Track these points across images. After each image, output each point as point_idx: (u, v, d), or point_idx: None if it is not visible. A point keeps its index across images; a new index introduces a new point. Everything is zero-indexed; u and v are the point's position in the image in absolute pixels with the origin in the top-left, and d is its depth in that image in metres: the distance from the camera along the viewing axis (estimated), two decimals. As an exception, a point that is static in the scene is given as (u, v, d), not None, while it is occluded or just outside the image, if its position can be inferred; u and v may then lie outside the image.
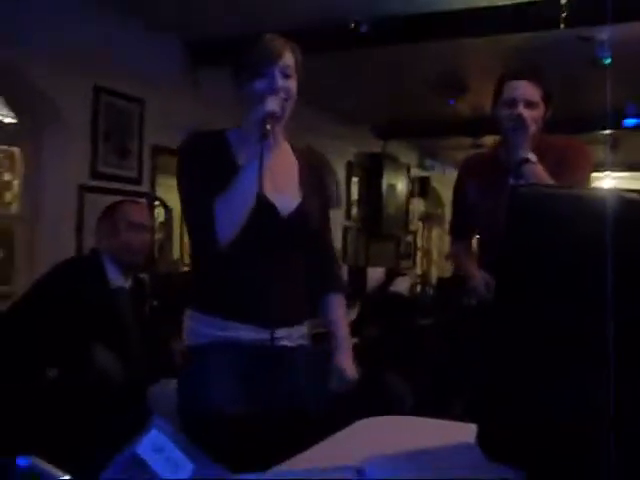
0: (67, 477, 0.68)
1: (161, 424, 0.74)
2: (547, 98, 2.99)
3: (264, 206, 2.05)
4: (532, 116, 2.92)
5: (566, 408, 1.01)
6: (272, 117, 2.00)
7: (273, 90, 2.04)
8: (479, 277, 3.08)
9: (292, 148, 2.29)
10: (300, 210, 2.16)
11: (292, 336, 2.19)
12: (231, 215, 1.99)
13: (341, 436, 1.76)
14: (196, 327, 2.12)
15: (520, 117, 2.91)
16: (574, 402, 0.99)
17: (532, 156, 2.86)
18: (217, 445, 1.92)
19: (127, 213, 3.33)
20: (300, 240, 2.21)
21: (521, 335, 1.10)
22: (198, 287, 2.18)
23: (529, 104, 2.91)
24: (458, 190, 3.29)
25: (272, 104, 2.01)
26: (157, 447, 0.74)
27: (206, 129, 2.27)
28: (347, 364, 2.32)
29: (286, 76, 2.09)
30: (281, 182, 2.17)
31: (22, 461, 0.65)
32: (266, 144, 2.00)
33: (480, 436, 1.15)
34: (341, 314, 2.39)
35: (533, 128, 2.92)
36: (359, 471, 1.07)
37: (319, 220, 2.27)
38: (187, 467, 0.75)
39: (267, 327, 2.11)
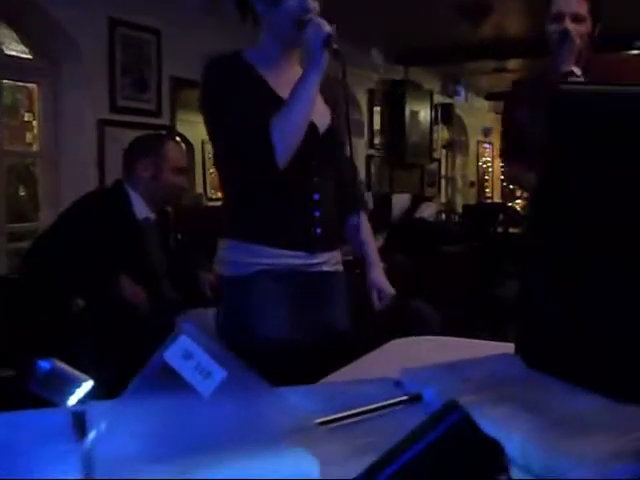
0: (90, 381, 0.65)
1: (190, 329, 0.71)
2: (595, 13, 2.92)
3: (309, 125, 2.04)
4: (578, 30, 2.86)
5: (607, 315, 0.97)
6: (331, 37, 1.96)
7: (305, 10, 2.02)
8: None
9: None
10: (332, 126, 2.16)
11: (331, 261, 2.20)
12: (289, 136, 1.95)
13: (374, 355, 1.74)
14: (237, 257, 2.09)
15: (565, 31, 2.85)
16: (615, 310, 0.94)
17: (577, 70, 2.80)
18: (263, 371, 1.97)
19: (171, 156, 3.27)
20: (333, 158, 2.21)
21: (561, 243, 1.05)
22: (237, 217, 2.14)
23: (576, 18, 2.86)
24: (508, 112, 3.25)
25: (328, 26, 1.98)
26: (186, 354, 0.70)
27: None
28: (383, 280, 2.34)
29: None
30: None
31: (44, 363, 0.62)
32: (320, 65, 1.97)
33: (519, 343, 1.12)
34: (369, 233, 2.39)
35: (579, 42, 2.86)
36: (397, 383, 1.03)
37: (345, 135, 2.24)
38: (219, 374, 0.71)
39: (309, 252, 2.11)
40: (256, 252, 2.06)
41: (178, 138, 5.60)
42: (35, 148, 4.95)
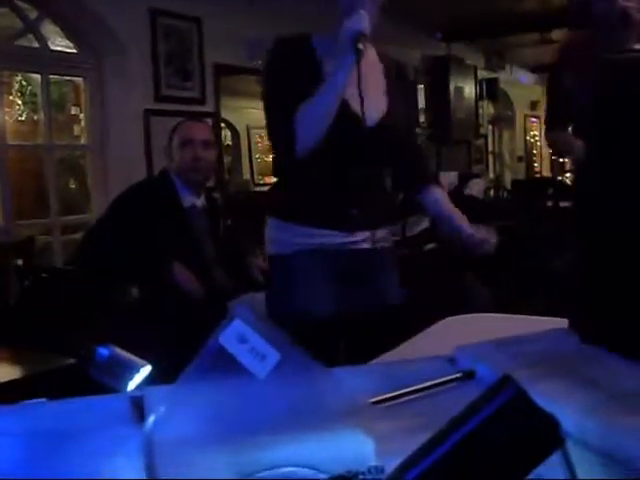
0: (148, 366, 0.67)
1: (244, 313, 0.72)
2: None
3: (349, 116, 2.03)
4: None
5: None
6: (363, 36, 1.95)
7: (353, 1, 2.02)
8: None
9: (376, 52, 2.26)
10: (386, 120, 2.16)
11: (371, 239, 2.20)
12: (312, 125, 2.00)
13: (427, 334, 1.74)
14: (280, 236, 2.16)
15: (624, 11, 2.82)
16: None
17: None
18: (309, 348, 2.00)
19: (183, 131, 3.33)
20: (385, 149, 2.21)
21: (615, 217, 1.03)
22: (281, 196, 2.20)
23: None
24: (553, 78, 3.21)
25: (362, 22, 1.97)
26: (241, 337, 0.71)
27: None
28: (481, 231, 2.31)
29: None
30: (367, 91, 2.07)
31: (103, 350, 0.64)
32: (349, 60, 1.96)
33: (574, 319, 1.11)
34: (447, 200, 2.38)
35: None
36: (451, 360, 1.04)
37: (405, 127, 2.30)
38: (273, 356, 0.72)
39: (347, 231, 2.14)
40: (294, 231, 2.12)
41: (223, 125, 5.65)
42: (83, 141, 5.02)
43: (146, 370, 0.68)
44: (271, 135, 2.19)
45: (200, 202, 3.38)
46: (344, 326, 2.15)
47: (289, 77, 2.08)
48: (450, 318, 1.92)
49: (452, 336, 1.74)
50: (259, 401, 0.75)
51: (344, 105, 2.02)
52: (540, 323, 1.83)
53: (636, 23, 2.86)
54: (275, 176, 2.31)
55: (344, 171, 2.13)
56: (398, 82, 2.26)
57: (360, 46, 1.93)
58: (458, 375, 0.95)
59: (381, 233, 2.25)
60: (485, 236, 2.29)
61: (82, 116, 5.07)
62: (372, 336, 2.08)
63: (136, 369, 0.65)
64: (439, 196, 2.34)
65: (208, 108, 5.19)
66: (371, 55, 2.20)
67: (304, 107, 1.99)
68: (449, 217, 2.31)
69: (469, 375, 0.94)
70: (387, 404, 0.85)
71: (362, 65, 2.01)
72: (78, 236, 4.81)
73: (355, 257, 2.17)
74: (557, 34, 8.79)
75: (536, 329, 1.52)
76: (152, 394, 0.85)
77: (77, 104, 5.37)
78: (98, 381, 0.65)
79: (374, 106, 2.12)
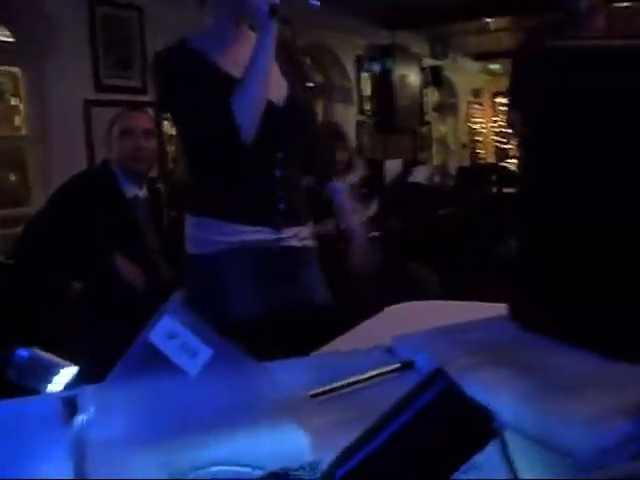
0: (72, 367, 0.65)
1: (174, 308, 0.70)
2: None
3: None
4: None
5: (600, 275, 0.96)
6: (276, 6, 1.94)
7: None
8: None
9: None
10: (291, 98, 2.12)
11: (298, 236, 2.17)
12: (252, 110, 1.94)
13: (370, 323, 1.73)
14: (202, 235, 2.07)
15: None
16: (609, 270, 0.93)
17: None
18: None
19: (123, 121, 3.28)
20: (297, 130, 2.18)
21: (554, 204, 1.04)
22: (200, 193, 2.12)
23: None
24: (518, 60, 3.29)
25: None
26: (171, 333, 0.70)
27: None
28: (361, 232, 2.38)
29: None
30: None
31: (22, 352, 0.61)
32: (270, 35, 1.95)
33: (513, 306, 1.11)
34: (349, 194, 2.44)
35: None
36: (389, 350, 1.03)
37: (310, 109, 2.30)
38: (205, 353, 0.70)
39: (274, 228, 2.09)
40: (219, 229, 2.04)
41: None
42: (23, 132, 4.91)
43: (71, 371, 0.66)
44: (187, 137, 2.11)
45: (142, 193, 3.33)
46: (274, 327, 2.10)
47: (190, 80, 2.01)
48: (394, 306, 1.92)
49: (396, 324, 1.74)
50: (192, 398, 0.73)
51: None
52: (484, 309, 1.83)
53: (601, 13, 3.00)
54: (192, 173, 2.20)
55: (267, 161, 2.08)
56: (290, 62, 2.22)
57: (274, 12, 1.93)
58: (396, 365, 0.94)
59: (305, 229, 2.21)
60: (363, 238, 2.37)
61: (22, 107, 4.96)
62: (305, 335, 2.04)
63: (57, 370, 0.63)
64: (342, 188, 2.39)
65: (150, 97, 5.11)
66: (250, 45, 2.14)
67: (239, 95, 1.93)
68: (346, 210, 2.39)
69: (408, 365, 0.93)
70: (324, 397, 0.84)
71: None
72: (19, 229, 4.71)
73: (282, 255, 2.11)
74: (501, 22, 8.89)
75: (479, 315, 1.52)
76: (84, 393, 0.83)
77: (16, 94, 5.24)
78: (16, 383, 0.63)
79: (277, 90, 2.09)
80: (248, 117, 1.93)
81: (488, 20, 8.65)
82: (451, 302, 2.00)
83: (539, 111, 1.09)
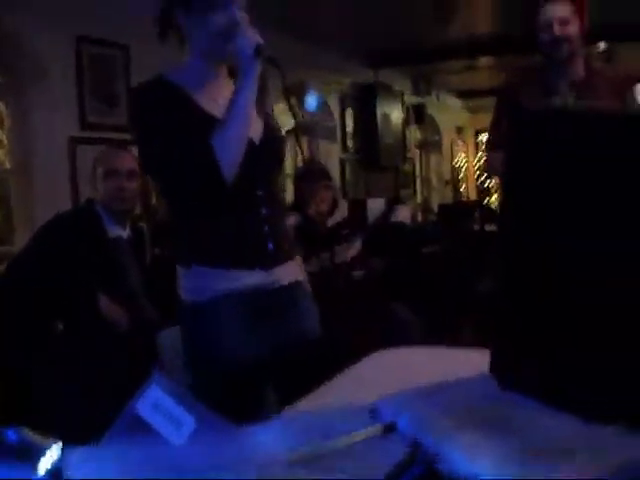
0: (59, 445, 0.65)
1: (160, 379, 0.71)
2: (580, 12, 3.09)
3: None
4: (569, 32, 3.06)
5: (582, 334, 0.98)
6: (261, 47, 1.95)
7: (233, 21, 1.99)
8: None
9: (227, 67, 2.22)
10: (267, 133, 2.12)
11: (288, 273, 2.17)
12: (233, 148, 1.93)
13: (355, 370, 1.74)
14: (197, 283, 2.03)
15: (557, 37, 3.07)
16: (590, 328, 0.95)
17: None
18: (237, 393, 1.97)
19: (106, 161, 3.31)
20: (274, 166, 2.21)
21: (533, 259, 1.06)
22: (187, 242, 2.08)
23: (563, 21, 3.02)
24: (500, 106, 3.36)
25: (257, 35, 1.97)
26: (157, 404, 0.71)
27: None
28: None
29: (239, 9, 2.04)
30: None
31: (11, 434, 0.62)
32: (253, 76, 1.96)
33: (493, 364, 1.12)
34: None
35: (574, 45, 3.09)
36: (372, 411, 1.04)
37: (283, 139, 2.30)
38: (188, 423, 0.71)
39: (266, 268, 2.08)
40: (213, 276, 2.02)
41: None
42: (7, 167, 4.91)
43: (57, 450, 0.66)
44: (171, 179, 2.02)
45: (126, 233, 3.35)
46: (271, 369, 2.09)
47: (167, 114, 1.97)
48: (378, 353, 1.92)
49: (380, 373, 1.75)
50: (175, 466, 0.74)
51: None
52: (466, 355, 1.85)
53: (580, 57, 3.09)
54: (175, 220, 2.13)
55: (251, 200, 2.07)
56: (261, 96, 2.16)
57: (260, 53, 1.93)
58: (379, 428, 0.95)
59: (294, 264, 2.21)
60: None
61: (4, 138, 4.96)
62: (300, 374, 2.04)
63: (44, 452, 0.63)
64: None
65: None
66: (227, 85, 2.17)
67: (220, 134, 1.91)
68: None
69: (390, 428, 0.94)
70: (304, 462, 0.85)
71: (228, 85, 2.10)
72: (1, 268, 4.70)
73: (275, 294, 2.11)
74: (483, 61, 9.02)
75: (462, 362, 1.54)
76: (70, 459, 0.83)
77: (0, 127, 5.25)
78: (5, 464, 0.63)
79: (254, 126, 2.08)
80: (230, 156, 1.92)
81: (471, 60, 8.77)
82: (433, 348, 2.00)
83: (514, 164, 1.11)
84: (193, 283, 2.04)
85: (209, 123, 1.96)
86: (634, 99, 3.23)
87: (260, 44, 1.95)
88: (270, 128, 2.15)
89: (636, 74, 3.58)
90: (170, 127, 1.95)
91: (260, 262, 2.07)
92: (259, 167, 2.04)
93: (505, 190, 1.14)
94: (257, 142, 2.07)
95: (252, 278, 2.05)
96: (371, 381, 1.61)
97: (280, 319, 2.13)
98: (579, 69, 3.17)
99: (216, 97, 2.07)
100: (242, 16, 2.02)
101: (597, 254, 0.96)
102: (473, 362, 1.23)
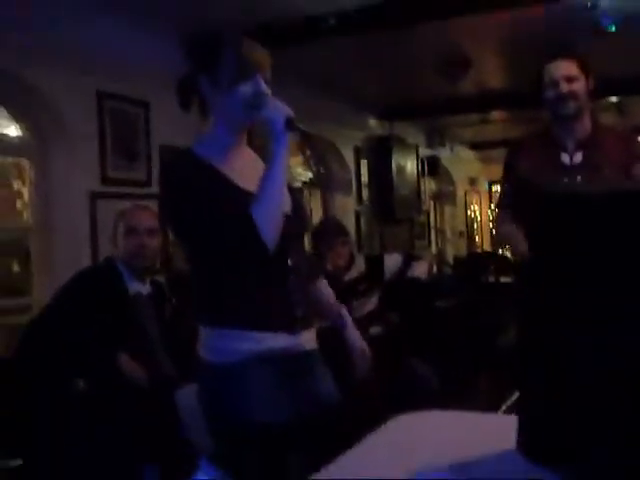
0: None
1: (206, 468, 0.73)
2: (585, 70, 3.12)
3: None
4: (575, 89, 3.09)
5: (605, 418, 0.99)
6: (291, 119, 2.01)
7: (259, 93, 2.06)
8: (520, 246, 3.13)
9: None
10: (294, 204, 2.18)
11: (310, 339, 2.21)
12: (273, 219, 1.98)
13: (381, 436, 1.75)
14: (224, 345, 2.05)
15: (563, 94, 3.09)
16: (615, 414, 0.97)
17: None
18: (265, 458, 1.98)
19: (127, 218, 3.36)
20: (302, 234, 2.29)
21: (555, 346, 1.08)
22: (218, 304, 2.09)
23: (569, 79, 3.05)
24: (509, 166, 3.38)
25: (286, 107, 2.03)
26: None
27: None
28: (362, 341, 2.44)
29: (265, 82, 2.11)
30: None
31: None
32: (285, 148, 2.02)
33: (521, 441, 1.14)
34: (333, 295, 2.50)
35: (581, 101, 3.12)
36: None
37: (306, 208, 2.34)
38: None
39: (293, 333, 2.11)
40: (241, 338, 2.03)
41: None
42: (27, 219, 4.97)
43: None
44: (202, 247, 2.04)
45: (145, 289, 3.39)
46: (296, 433, 2.08)
47: (202, 190, 2.00)
48: (402, 417, 1.93)
49: (404, 438, 1.77)
50: None
51: None
52: (486, 420, 1.86)
53: (587, 113, 3.12)
54: (204, 286, 2.12)
55: (281, 266, 2.11)
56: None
57: (293, 128, 2.00)
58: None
59: (314, 332, 2.24)
60: (362, 346, 2.44)
61: (25, 190, 5.03)
62: (325, 437, 2.06)
63: None
64: (327, 290, 2.47)
65: (154, 190, 5.18)
66: (246, 151, 2.24)
67: (259, 205, 1.96)
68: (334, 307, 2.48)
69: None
70: None
71: (249, 155, 2.19)
72: (19, 319, 4.73)
73: (300, 358, 2.14)
74: (495, 114, 9.12)
75: (482, 427, 1.55)
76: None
77: (20, 178, 5.32)
78: None
79: (285, 197, 2.12)
80: (271, 227, 1.96)
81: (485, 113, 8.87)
82: (457, 412, 2.01)
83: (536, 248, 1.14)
84: (219, 344, 2.05)
85: (241, 195, 2.02)
86: None
87: (291, 117, 2.00)
88: (295, 197, 2.19)
89: None
90: (207, 202, 1.98)
91: (287, 327, 2.10)
92: (289, 236, 2.07)
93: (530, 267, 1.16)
94: (286, 212, 2.10)
95: (278, 341, 2.08)
96: (400, 447, 1.62)
97: (303, 383, 2.15)
98: (586, 126, 3.19)
99: (241, 167, 2.13)
100: (266, 87, 2.08)
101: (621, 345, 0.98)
102: (494, 427, 1.25)
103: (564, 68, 3.12)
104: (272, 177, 2.00)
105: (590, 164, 3.10)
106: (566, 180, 3.08)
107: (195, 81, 2.13)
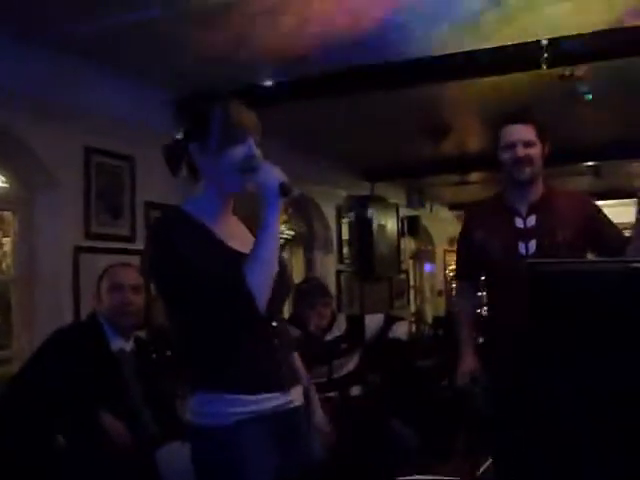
0: None
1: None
2: (542, 136, 3.17)
3: None
4: (532, 154, 3.10)
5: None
6: (285, 184, 2.04)
7: (251, 157, 2.09)
8: (465, 367, 3.39)
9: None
10: (281, 267, 2.17)
11: (298, 395, 2.24)
12: (264, 284, 1.99)
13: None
14: (215, 409, 2.05)
15: (520, 158, 3.09)
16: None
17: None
18: None
19: (112, 275, 3.38)
20: (285, 297, 2.32)
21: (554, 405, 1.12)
22: (208, 370, 2.09)
23: (527, 144, 3.10)
24: (464, 235, 3.45)
25: (279, 172, 2.06)
26: None
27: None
28: (325, 423, 2.60)
29: (256, 144, 2.15)
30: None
31: None
32: (278, 211, 2.06)
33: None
34: (303, 372, 2.51)
35: (536, 167, 3.16)
36: None
37: (289, 271, 2.38)
38: None
39: (284, 391, 2.14)
40: (232, 401, 2.04)
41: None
42: (9, 274, 4.95)
43: None
44: (199, 310, 2.03)
45: (129, 346, 3.39)
46: None
47: (193, 248, 2.02)
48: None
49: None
50: None
51: None
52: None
53: (540, 178, 3.18)
54: (193, 352, 2.13)
55: (268, 331, 2.14)
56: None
57: (287, 193, 2.03)
58: None
59: (300, 389, 2.27)
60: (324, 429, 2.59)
61: (5, 240, 5.02)
62: None
63: None
64: (298, 361, 2.47)
65: (138, 246, 5.20)
66: (232, 218, 2.28)
67: (253, 266, 1.97)
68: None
69: None
70: None
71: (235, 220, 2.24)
72: (-1, 372, 4.69)
73: (290, 415, 2.16)
74: (474, 176, 9.26)
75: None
76: None
77: (1, 229, 5.31)
78: None
79: None
80: (262, 289, 1.98)
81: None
82: (437, 478, 2.03)
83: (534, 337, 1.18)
84: (213, 409, 2.06)
85: (234, 257, 2.05)
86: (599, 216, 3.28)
87: (285, 182, 2.04)
88: (280, 259, 2.18)
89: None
90: (199, 260, 2.00)
91: (278, 386, 2.13)
92: (273, 298, 2.08)
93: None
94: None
95: (271, 401, 2.10)
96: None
97: (292, 443, 2.18)
98: (538, 189, 3.23)
99: (230, 232, 2.17)
100: (258, 151, 2.13)
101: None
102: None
103: (522, 132, 3.15)
104: (265, 242, 2.03)
105: (544, 227, 3.15)
106: (521, 244, 3.13)
107: (184, 146, 2.15)
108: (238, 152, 2.10)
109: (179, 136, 2.18)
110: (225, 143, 2.10)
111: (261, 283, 1.98)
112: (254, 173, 2.07)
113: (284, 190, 2.03)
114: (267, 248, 2.03)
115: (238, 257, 2.04)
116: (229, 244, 2.12)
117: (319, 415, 2.49)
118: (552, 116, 5.41)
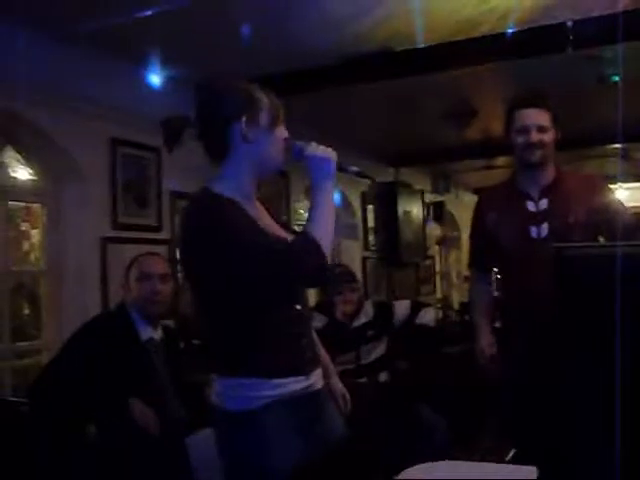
0: None
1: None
2: (555, 122, 3.14)
3: None
4: (545, 140, 3.07)
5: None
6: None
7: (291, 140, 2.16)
8: (484, 343, 3.46)
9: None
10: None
11: (320, 376, 2.27)
12: (328, 241, 2.01)
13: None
14: (243, 393, 2.08)
15: (533, 143, 3.06)
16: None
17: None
18: None
19: (141, 265, 3.40)
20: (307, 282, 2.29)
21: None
22: (238, 353, 2.12)
23: (540, 129, 3.06)
24: (476, 221, 3.41)
25: (332, 152, 2.17)
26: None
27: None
28: (342, 387, 2.53)
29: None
30: (275, 229, 2.21)
31: None
32: (329, 190, 2.12)
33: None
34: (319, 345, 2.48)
35: (547, 150, 3.11)
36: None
37: None
38: None
39: (308, 374, 2.17)
40: (261, 385, 2.07)
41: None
42: (36, 263, 5.01)
43: None
44: (229, 290, 2.05)
45: (157, 334, 3.41)
46: (313, 473, 2.13)
47: (240, 223, 2.03)
48: (413, 468, 1.94)
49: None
50: None
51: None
52: (498, 470, 1.89)
53: (552, 162, 3.16)
54: (216, 336, 2.16)
55: (296, 313, 2.17)
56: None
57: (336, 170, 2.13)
58: None
59: (320, 370, 2.30)
60: (343, 392, 2.52)
61: (33, 233, 5.07)
62: (341, 472, 2.09)
63: None
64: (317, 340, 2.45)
65: (164, 235, 5.24)
66: (257, 203, 2.27)
67: (325, 235, 2.00)
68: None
69: None
70: None
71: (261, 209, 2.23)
72: (28, 362, 4.75)
73: (314, 398, 2.20)
74: (500, 160, 9.20)
75: (498, 475, 1.57)
76: None
77: (27, 220, 5.35)
78: None
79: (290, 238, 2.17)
80: (327, 248, 2.01)
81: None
82: (466, 463, 2.02)
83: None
84: (241, 393, 2.09)
85: (270, 237, 2.06)
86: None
87: (334, 161, 2.11)
88: None
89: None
90: (247, 235, 2.00)
91: (302, 370, 2.15)
92: (295, 276, 2.06)
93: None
94: None
95: (295, 385, 2.12)
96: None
97: (317, 424, 2.21)
98: (550, 173, 3.19)
99: (259, 212, 2.19)
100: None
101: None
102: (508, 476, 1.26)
103: (537, 117, 3.12)
104: (321, 219, 2.04)
105: (556, 210, 3.12)
106: (533, 227, 3.11)
107: (226, 125, 2.13)
108: (284, 131, 2.17)
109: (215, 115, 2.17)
110: (274, 120, 2.14)
111: (327, 249, 1.99)
112: (305, 152, 2.12)
113: (335, 169, 2.08)
114: (325, 226, 2.03)
115: (274, 238, 2.07)
116: (265, 227, 2.12)
117: (338, 384, 2.50)
118: (578, 98, 5.38)
